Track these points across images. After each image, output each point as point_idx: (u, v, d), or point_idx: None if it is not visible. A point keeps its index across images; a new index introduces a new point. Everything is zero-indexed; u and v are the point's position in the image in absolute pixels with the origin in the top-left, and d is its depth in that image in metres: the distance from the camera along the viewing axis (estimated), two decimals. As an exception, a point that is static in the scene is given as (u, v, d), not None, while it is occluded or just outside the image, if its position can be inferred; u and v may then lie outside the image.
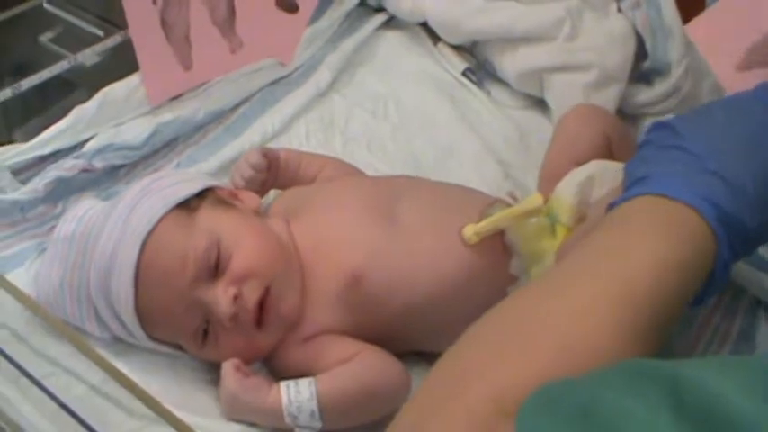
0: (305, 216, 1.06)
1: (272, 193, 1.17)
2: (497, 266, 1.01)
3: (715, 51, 1.34)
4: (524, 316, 0.68)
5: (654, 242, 0.70)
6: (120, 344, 1.03)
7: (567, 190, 0.99)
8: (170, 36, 1.27)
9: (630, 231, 0.73)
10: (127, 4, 1.25)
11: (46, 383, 0.92)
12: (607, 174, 0.97)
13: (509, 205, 1.04)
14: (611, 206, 0.78)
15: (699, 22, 1.50)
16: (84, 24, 1.86)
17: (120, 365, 0.99)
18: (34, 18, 1.63)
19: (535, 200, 1.01)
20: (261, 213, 1.07)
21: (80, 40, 1.59)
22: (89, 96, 1.27)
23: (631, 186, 0.78)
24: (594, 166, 0.99)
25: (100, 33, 1.93)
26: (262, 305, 0.97)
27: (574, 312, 0.66)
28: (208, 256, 0.97)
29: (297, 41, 1.41)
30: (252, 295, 0.96)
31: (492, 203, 1.04)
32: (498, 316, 0.70)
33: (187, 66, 1.31)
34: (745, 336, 1.09)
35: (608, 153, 1.02)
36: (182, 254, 0.97)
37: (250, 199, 1.08)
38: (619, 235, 0.73)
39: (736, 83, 1.22)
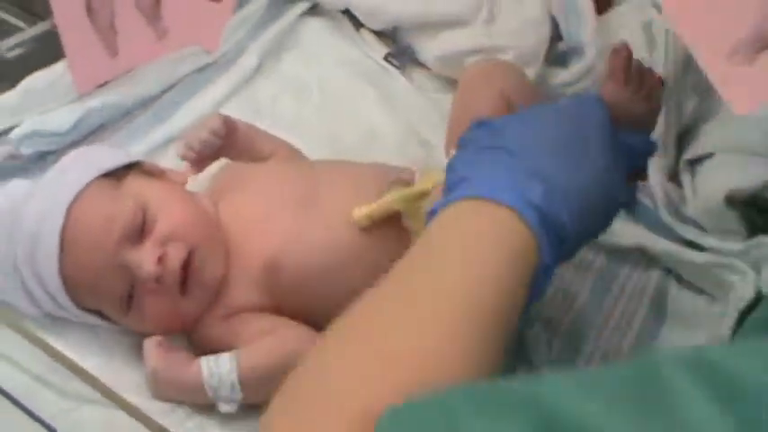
0: (232, 197, 1.08)
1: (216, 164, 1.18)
2: (399, 248, 1.01)
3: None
4: (379, 329, 0.67)
5: (476, 254, 0.70)
6: (50, 322, 1.04)
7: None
8: (95, 23, 1.27)
9: (453, 244, 0.72)
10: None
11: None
12: None
13: (408, 184, 1.04)
14: (433, 212, 0.77)
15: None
16: (3, 15, 1.86)
17: (51, 343, 1.01)
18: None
19: (424, 182, 1.01)
20: (187, 189, 1.09)
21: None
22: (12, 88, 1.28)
23: (452, 188, 0.77)
24: None
25: (21, 25, 1.93)
26: (186, 269, 0.99)
27: (423, 325, 0.66)
28: (133, 218, 0.98)
29: (222, 29, 1.43)
30: (176, 256, 0.98)
31: (391, 182, 1.05)
32: (355, 326, 0.69)
33: (113, 53, 1.31)
34: (658, 305, 1.15)
35: (507, 109, 0.99)
36: (107, 217, 0.98)
37: (177, 175, 1.09)
38: (442, 249, 0.72)
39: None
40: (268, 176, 1.11)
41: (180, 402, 0.98)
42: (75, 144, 1.26)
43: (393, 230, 1.01)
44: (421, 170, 1.07)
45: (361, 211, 1.01)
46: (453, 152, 0.92)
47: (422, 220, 0.96)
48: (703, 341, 1.07)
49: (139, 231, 0.99)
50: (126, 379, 1.01)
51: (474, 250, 0.70)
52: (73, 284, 0.99)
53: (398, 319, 0.66)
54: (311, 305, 1.01)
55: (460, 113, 1.02)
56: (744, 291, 1.07)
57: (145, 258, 0.97)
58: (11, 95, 1.26)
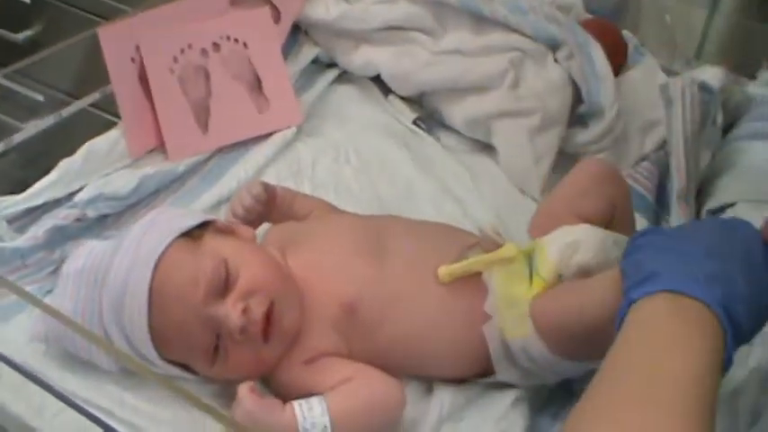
0: (300, 248, 1.15)
1: (262, 228, 1.26)
2: (473, 304, 1.11)
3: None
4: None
5: (688, 346, 0.78)
6: (129, 378, 1.09)
7: (552, 246, 1.09)
8: (187, 95, 1.42)
9: (667, 339, 0.79)
10: (110, 63, 1.36)
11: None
12: (593, 242, 1.07)
13: (486, 251, 1.13)
14: (631, 302, 0.84)
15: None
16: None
17: (129, 397, 1.08)
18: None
19: (509, 250, 1.11)
20: (258, 243, 1.16)
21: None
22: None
23: (640, 282, 0.84)
24: (583, 230, 1.09)
25: (40, 98, 2.02)
26: (268, 318, 1.06)
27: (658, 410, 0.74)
28: (218, 275, 1.05)
29: (294, 102, 1.53)
30: (259, 308, 1.05)
31: (472, 245, 1.14)
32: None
33: (204, 128, 1.45)
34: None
35: (607, 220, 1.12)
36: (192, 274, 1.05)
37: (246, 231, 1.17)
38: (653, 342, 0.80)
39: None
40: (330, 228, 1.19)
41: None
42: (132, 207, 1.35)
43: (465, 288, 1.11)
44: (492, 229, 1.16)
45: (447, 269, 1.10)
46: (543, 237, 1.09)
47: (503, 281, 1.09)
48: (736, 377, 1.14)
49: (223, 286, 1.05)
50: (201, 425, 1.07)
51: (684, 342, 0.78)
52: (160, 338, 1.06)
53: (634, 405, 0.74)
54: (384, 349, 1.09)
55: (560, 203, 1.14)
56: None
57: (230, 311, 1.04)
58: (75, 160, 1.34)
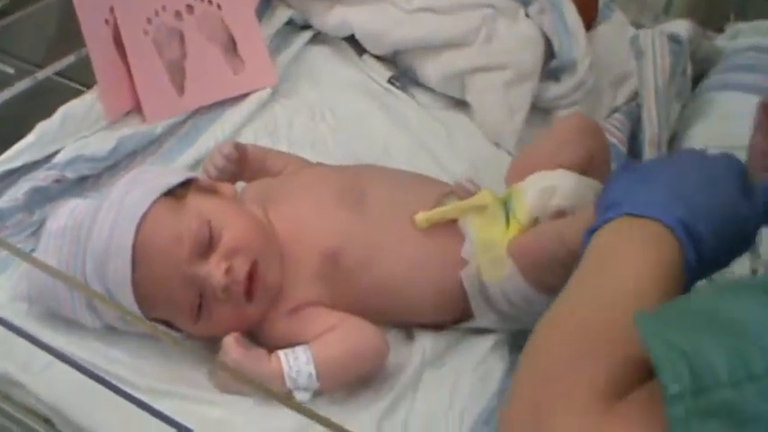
0: (279, 202, 1.17)
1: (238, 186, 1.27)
2: (450, 251, 1.13)
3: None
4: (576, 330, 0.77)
5: (642, 259, 0.81)
6: (112, 334, 1.11)
7: (530, 190, 1.11)
8: (163, 58, 1.42)
9: (620, 253, 0.83)
10: (84, 26, 1.36)
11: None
12: (570, 187, 1.10)
13: (461, 199, 1.15)
14: (594, 230, 0.87)
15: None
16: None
17: (116, 353, 1.10)
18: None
19: (484, 197, 1.14)
20: (238, 201, 1.17)
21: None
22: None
23: (607, 209, 0.88)
24: (561, 176, 1.11)
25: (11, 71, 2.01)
26: (251, 278, 1.07)
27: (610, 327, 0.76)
28: (201, 234, 1.06)
29: (270, 64, 1.53)
30: (242, 268, 1.06)
31: (447, 193, 1.17)
32: (552, 334, 0.79)
33: (180, 90, 1.45)
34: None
35: (584, 169, 1.13)
36: (176, 234, 1.06)
37: (228, 188, 1.18)
38: (612, 258, 0.83)
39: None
40: (308, 180, 1.20)
41: (246, 394, 1.05)
42: (111, 168, 1.36)
43: (442, 234, 1.13)
44: (467, 179, 1.19)
45: (424, 215, 1.12)
46: (519, 183, 1.11)
47: (480, 227, 1.12)
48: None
49: (207, 246, 1.06)
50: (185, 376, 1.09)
51: (637, 256, 0.81)
52: (144, 296, 1.07)
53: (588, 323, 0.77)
54: (365, 297, 1.11)
55: (540, 152, 1.16)
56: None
57: (214, 271, 1.05)
58: (52, 123, 1.35)
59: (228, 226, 1.08)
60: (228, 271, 1.05)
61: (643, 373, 0.70)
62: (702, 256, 0.83)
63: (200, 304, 1.07)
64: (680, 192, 0.86)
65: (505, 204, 1.13)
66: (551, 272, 1.02)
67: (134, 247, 1.05)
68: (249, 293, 1.08)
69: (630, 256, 0.82)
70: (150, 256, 1.06)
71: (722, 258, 0.88)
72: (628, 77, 1.53)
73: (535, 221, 1.09)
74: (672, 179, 0.88)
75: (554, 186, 1.09)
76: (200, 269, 1.06)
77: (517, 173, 1.16)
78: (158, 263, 1.06)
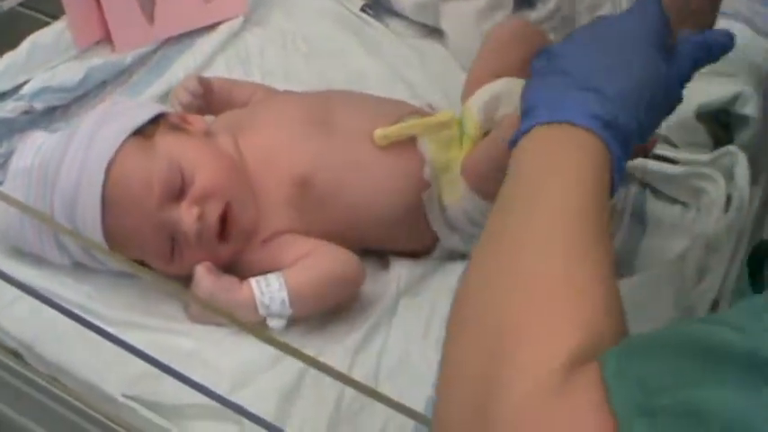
0: (249, 132, 1.15)
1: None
2: (414, 173, 1.12)
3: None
4: (510, 254, 0.70)
5: (562, 171, 0.75)
6: (82, 268, 1.10)
7: (474, 105, 1.10)
8: None
9: (542, 169, 0.77)
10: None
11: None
12: (515, 92, 1.02)
13: (423, 116, 1.15)
14: (513, 142, 0.83)
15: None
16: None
17: (87, 287, 1.09)
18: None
19: (443, 115, 1.13)
20: (209, 134, 1.14)
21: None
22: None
23: (524, 117, 0.83)
24: (503, 83, 1.09)
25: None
26: (223, 220, 1.06)
27: (546, 246, 0.70)
28: (171, 179, 1.04)
29: None
30: (213, 213, 1.05)
31: (410, 112, 1.16)
32: (480, 283, 0.71)
33: (150, 20, 1.42)
34: (638, 216, 1.25)
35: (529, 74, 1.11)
36: (146, 179, 1.04)
37: (198, 121, 1.15)
38: (537, 178, 0.77)
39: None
40: (277, 108, 1.18)
41: (219, 325, 1.05)
42: (80, 99, 1.34)
43: (406, 155, 1.12)
44: (432, 103, 1.20)
45: (383, 131, 1.11)
46: (470, 100, 1.07)
47: (437, 148, 1.10)
48: (681, 245, 1.17)
49: (178, 190, 1.04)
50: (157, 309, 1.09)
51: (559, 168, 0.76)
52: (115, 241, 1.05)
53: (523, 246, 0.70)
54: (337, 221, 1.10)
55: (482, 65, 1.13)
56: (716, 195, 1.18)
57: (185, 216, 1.04)
58: (19, 53, 1.32)
59: (200, 168, 1.06)
60: (200, 216, 1.04)
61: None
62: (628, 145, 0.81)
63: (173, 247, 1.06)
64: (593, 81, 0.82)
65: (461, 124, 1.12)
66: (498, 181, 1.01)
67: (103, 191, 1.03)
68: (222, 236, 1.06)
69: (555, 172, 0.76)
70: (120, 203, 1.04)
71: (648, 129, 0.86)
72: (604, 3, 1.50)
73: (486, 136, 1.08)
74: (583, 65, 0.84)
75: (498, 96, 1.08)
76: (172, 214, 1.04)
77: (467, 91, 1.14)
78: (128, 210, 1.04)
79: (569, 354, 0.60)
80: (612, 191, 0.79)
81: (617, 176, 0.79)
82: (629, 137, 0.81)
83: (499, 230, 0.75)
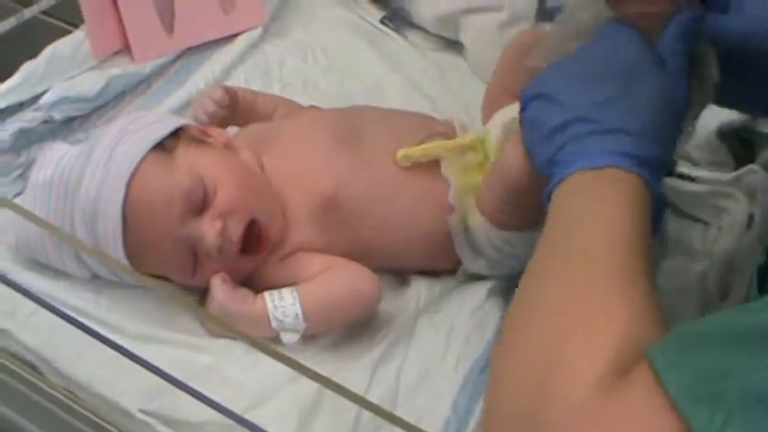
0: (274, 147, 1.14)
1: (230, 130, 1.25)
2: (437, 194, 1.11)
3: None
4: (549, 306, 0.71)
5: (606, 215, 0.74)
6: (100, 281, 1.10)
7: (494, 130, 1.09)
8: None
9: (587, 217, 0.75)
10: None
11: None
12: None
13: (448, 137, 1.14)
14: (548, 195, 0.80)
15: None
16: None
17: (104, 300, 1.08)
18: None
19: (465, 138, 1.12)
20: (231, 147, 1.13)
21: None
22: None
23: (550, 168, 0.80)
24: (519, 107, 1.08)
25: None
26: (248, 234, 1.05)
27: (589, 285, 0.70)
28: (193, 193, 1.03)
29: (261, 2, 1.50)
30: (236, 228, 1.04)
31: (435, 134, 1.14)
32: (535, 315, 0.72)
33: (169, 30, 1.42)
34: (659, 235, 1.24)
35: None
36: (167, 193, 1.03)
37: (220, 134, 1.14)
38: (579, 224, 0.76)
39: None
40: (303, 124, 1.17)
41: (234, 339, 1.04)
42: (99, 109, 1.34)
43: (431, 177, 1.11)
44: (459, 122, 1.17)
45: (404, 152, 1.10)
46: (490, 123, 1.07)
47: (460, 171, 1.09)
48: (702, 264, 1.16)
49: (200, 204, 1.03)
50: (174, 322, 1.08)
51: (602, 212, 0.75)
52: (136, 257, 1.04)
53: (577, 268, 0.71)
54: (359, 241, 1.10)
55: (497, 85, 1.12)
56: (738, 214, 1.17)
57: (207, 231, 1.02)
58: (38, 63, 1.32)
59: (222, 182, 1.05)
60: (223, 230, 1.03)
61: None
62: (662, 175, 0.79)
63: (195, 261, 1.05)
64: (611, 121, 0.79)
65: (483, 145, 1.11)
66: (511, 214, 1.01)
67: (124, 208, 1.03)
68: (245, 251, 1.05)
69: (598, 209, 0.75)
70: (141, 218, 1.03)
71: (672, 146, 0.83)
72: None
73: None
74: (592, 105, 0.80)
75: (515, 119, 1.05)
76: (194, 229, 1.03)
77: (486, 112, 1.13)
78: (150, 225, 1.03)
79: (618, 358, 0.63)
80: (658, 222, 0.79)
81: (660, 210, 0.78)
82: (662, 167, 0.80)
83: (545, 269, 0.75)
